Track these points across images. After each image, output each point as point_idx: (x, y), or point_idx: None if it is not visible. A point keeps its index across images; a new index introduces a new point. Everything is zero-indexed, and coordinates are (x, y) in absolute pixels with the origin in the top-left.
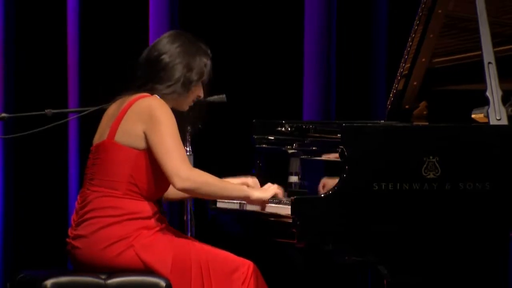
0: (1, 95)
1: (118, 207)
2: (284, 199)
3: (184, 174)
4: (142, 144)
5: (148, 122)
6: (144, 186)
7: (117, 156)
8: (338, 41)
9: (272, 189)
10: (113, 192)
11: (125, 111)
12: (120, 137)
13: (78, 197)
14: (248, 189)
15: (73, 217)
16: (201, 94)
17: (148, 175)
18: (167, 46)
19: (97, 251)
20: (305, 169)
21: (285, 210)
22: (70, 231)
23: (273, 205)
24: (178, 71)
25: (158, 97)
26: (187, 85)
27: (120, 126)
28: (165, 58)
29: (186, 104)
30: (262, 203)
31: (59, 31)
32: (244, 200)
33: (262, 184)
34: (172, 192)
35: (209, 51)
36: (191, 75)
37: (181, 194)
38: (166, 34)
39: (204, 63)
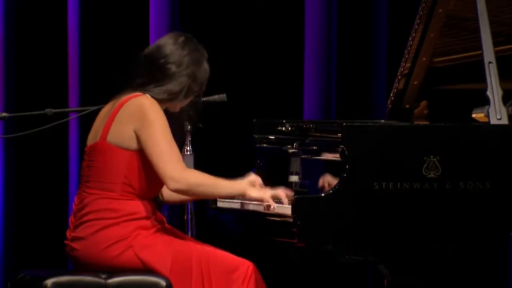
0: (1, 94)
1: (115, 209)
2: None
3: (178, 175)
4: (134, 145)
5: (140, 122)
6: (139, 185)
7: (111, 158)
8: (338, 41)
9: (270, 191)
10: (109, 194)
11: (116, 112)
12: (112, 138)
13: (76, 199)
14: (245, 187)
15: (71, 219)
16: (193, 98)
17: (142, 174)
18: (176, 53)
19: (96, 252)
20: (305, 168)
21: (286, 209)
22: (68, 233)
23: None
24: (184, 82)
25: (149, 96)
26: (187, 94)
27: (112, 127)
28: (173, 67)
29: (179, 107)
30: (261, 201)
31: (60, 30)
32: (240, 197)
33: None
34: (172, 196)
35: (206, 54)
36: (194, 85)
37: (181, 197)
38: (173, 39)
39: (205, 71)
